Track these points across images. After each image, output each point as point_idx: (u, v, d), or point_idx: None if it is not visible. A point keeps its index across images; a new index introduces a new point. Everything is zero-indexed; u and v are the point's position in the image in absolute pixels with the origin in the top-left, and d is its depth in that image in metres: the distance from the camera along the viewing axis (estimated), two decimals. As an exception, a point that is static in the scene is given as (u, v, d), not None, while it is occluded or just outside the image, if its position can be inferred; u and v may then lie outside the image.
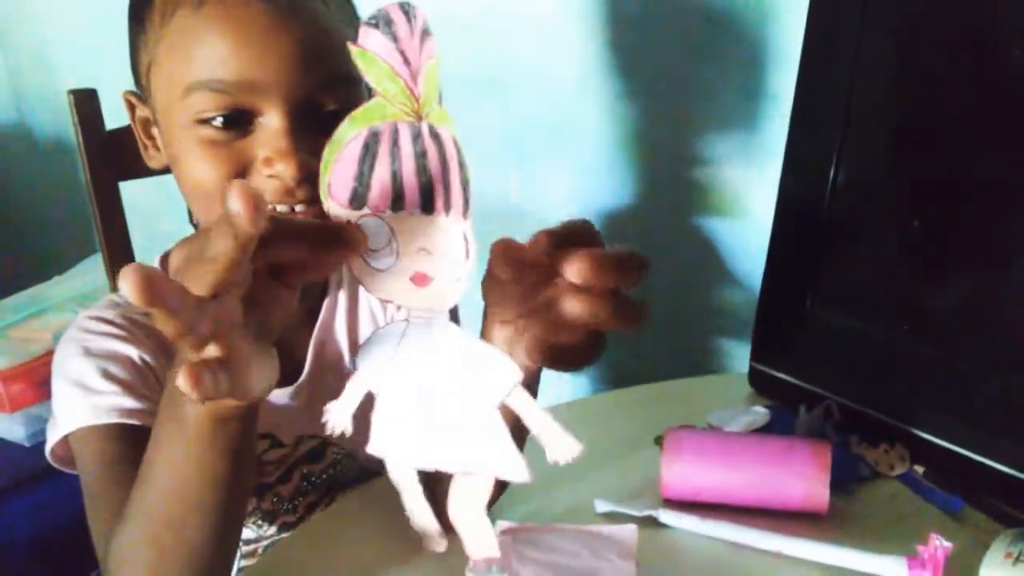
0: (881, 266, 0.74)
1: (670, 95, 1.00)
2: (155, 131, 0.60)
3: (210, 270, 0.33)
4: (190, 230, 0.70)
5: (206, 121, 0.54)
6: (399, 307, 0.38)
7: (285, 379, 0.66)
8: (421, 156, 0.36)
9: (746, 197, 0.96)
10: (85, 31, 1.57)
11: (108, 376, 0.59)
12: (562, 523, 0.62)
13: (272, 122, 0.53)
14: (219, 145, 0.54)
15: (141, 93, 0.60)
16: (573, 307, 0.36)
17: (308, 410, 0.68)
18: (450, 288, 0.37)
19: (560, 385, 1.20)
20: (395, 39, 0.34)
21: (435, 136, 0.36)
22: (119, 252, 0.94)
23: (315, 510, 0.71)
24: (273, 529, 0.69)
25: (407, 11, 0.34)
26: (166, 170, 0.60)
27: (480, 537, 0.39)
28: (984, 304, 0.67)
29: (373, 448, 0.39)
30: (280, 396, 0.67)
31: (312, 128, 0.53)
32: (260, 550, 0.70)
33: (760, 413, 0.77)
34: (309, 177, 0.53)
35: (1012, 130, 0.64)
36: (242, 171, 0.55)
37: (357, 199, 0.36)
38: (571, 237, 0.37)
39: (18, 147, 1.88)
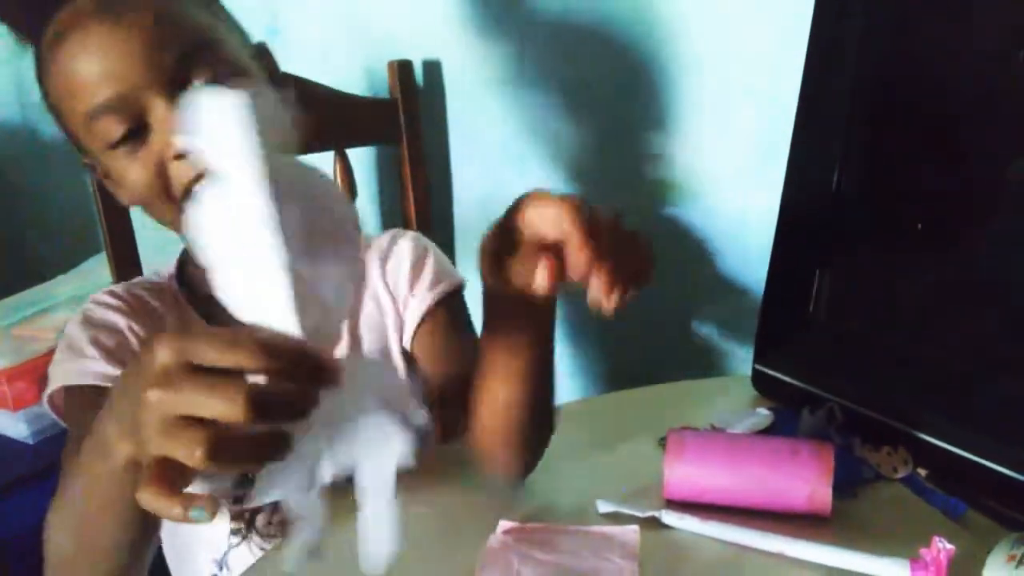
0: (884, 269, 0.74)
1: (672, 101, 1.00)
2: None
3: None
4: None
5: (114, 144, 0.58)
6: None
7: None
8: None
9: (750, 200, 0.96)
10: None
11: (96, 343, 0.66)
12: (564, 523, 0.63)
13: (159, 113, 0.57)
14: (134, 156, 0.59)
15: (79, 148, 0.64)
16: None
17: None
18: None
19: (563, 385, 1.20)
20: None
21: None
22: (123, 251, 0.95)
23: None
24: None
25: None
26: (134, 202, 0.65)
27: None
28: (987, 307, 0.67)
29: None
30: None
31: None
32: (247, 514, 0.73)
33: (763, 415, 0.77)
34: None
35: (1014, 134, 0.64)
36: (162, 166, 0.58)
37: None
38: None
39: (23, 146, 1.88)
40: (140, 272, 0.97)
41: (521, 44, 1.11)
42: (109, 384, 0.62)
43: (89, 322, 0.67)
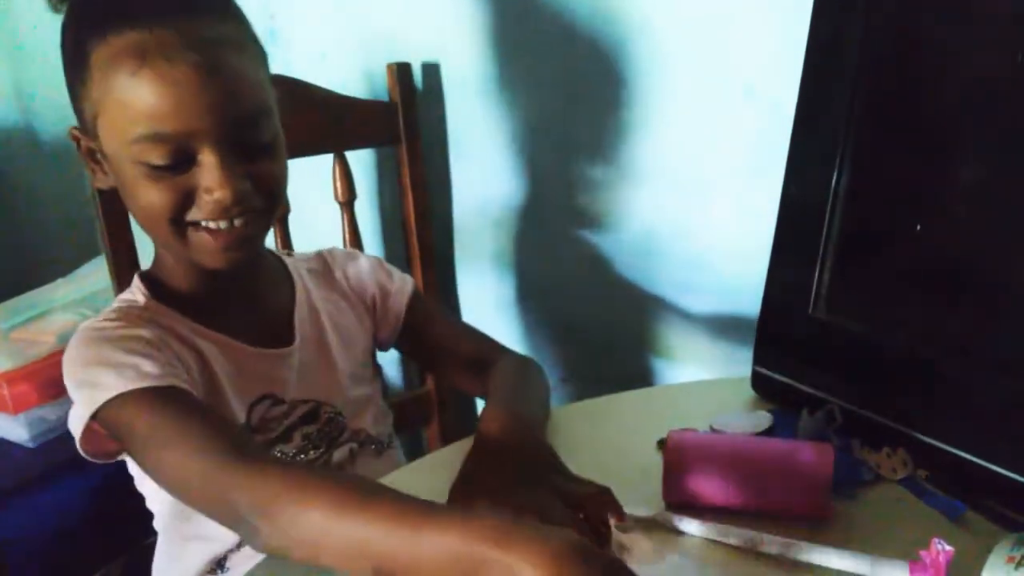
0: (883, 270, 0.74)
1: (671, 101, 1.00)
2: (100, 159, 0.68)
3: None
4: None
5: (153, 165, 0.63)
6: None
7: (280, 342, 0.75)
8: None
9: (748, 201, 0.96)
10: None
11: (131, 351, 0.64)
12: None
13: (207, 159, 0.62)
14: (165, 180, 0.63)
15: (85, 129, 0.67)
16: None
17: (298, 374, 0.76)
18: None
19: (563, 388, 1.20)
20: None
21: None
22: (122, 255, 0.95)
23: (317, 463, 0.78)
24: None
25: None
26: (113, 189, 0.69)
27: None
28: (986, 308, 0.67)
29: None
30: (280, 357, 0.75)
31: (241, 159, 0.64)
32: None
33: (762, 416, 0.77)
34: (242, 199, 0.64)
35: (1014, 134, 0.64)
36: (187, 198, 0.64)
37: None
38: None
39: (23, 149, 1.88)
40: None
41: (519, 46, 1.11)
42: (161, 383, 0.61)
43: (108, 340, 0.65)
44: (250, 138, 0.64)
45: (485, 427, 0.67)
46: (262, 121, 0.65)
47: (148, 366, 0.62)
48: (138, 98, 0.60)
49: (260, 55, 0.67)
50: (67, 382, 0.66)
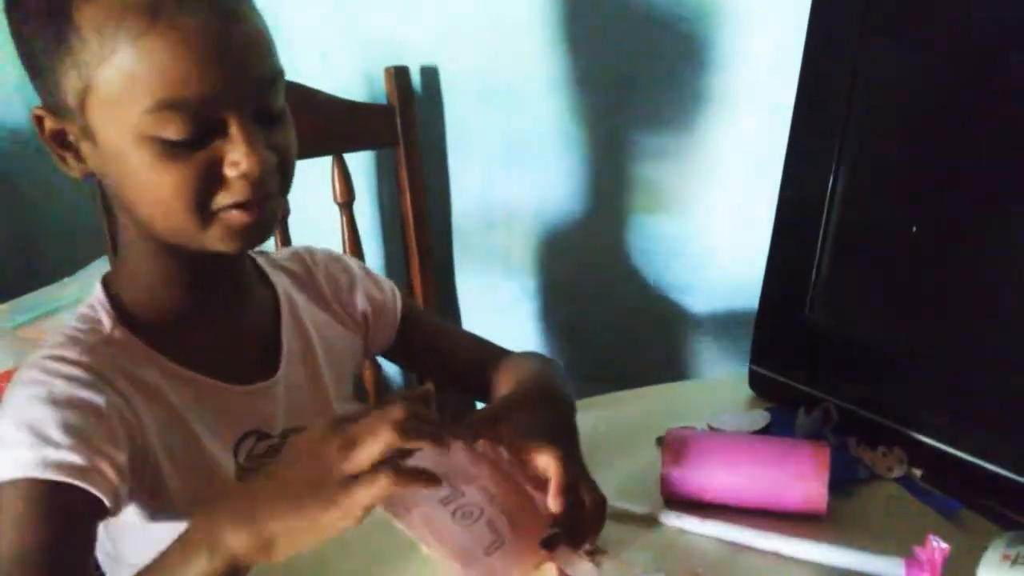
0: (879, 270, 0.75)
1: (669, 104, 1.00)
2: (74, 141, 0.60)
3: None
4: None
5: (170, 141, 0.55)
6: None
7: (265, 365, 0.69)
8: None
9: (746, 202, 0.96)
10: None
11: (67, 428, 0.55)
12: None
13: (232, 128, 0.55)
14: (182, 158, 0.55)
15: (58, 108, 0.59)
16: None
17: (286, 402, 0.69)
18: None
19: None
20: None
21: None
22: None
23: None
24: None
25: None
26: (87, 177, 0.62)
27: None
28: (981, 307, 0.67)
29: None
30: (264, 390, 0.68)
31: (264, 127, 0.57)
32: None
33: (760, 415, 0.77)
34: (270, 170, 0.57)
35: (1009, 136, 0.65)
36: (210, 177, 0.56)
37: None
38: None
39: (29, 149, 1.89)
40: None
41: (516, 50, 1.11)
42: (77, 481, 0.54)
43: (54, 401, 0.56)
44: (270, 103, 0.58)
45: (512, 397, 0.63)
46: (279, 83, 0.58)
47: (71, 455, 0.54)
48: (150, 62, 0.52)
49: (260, 12, 0.61)
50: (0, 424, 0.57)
